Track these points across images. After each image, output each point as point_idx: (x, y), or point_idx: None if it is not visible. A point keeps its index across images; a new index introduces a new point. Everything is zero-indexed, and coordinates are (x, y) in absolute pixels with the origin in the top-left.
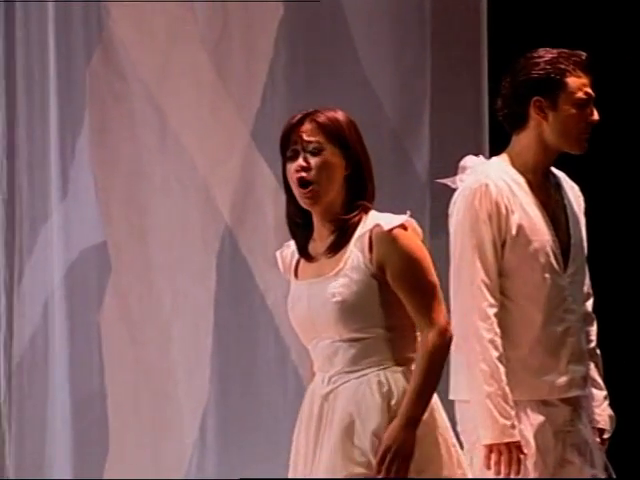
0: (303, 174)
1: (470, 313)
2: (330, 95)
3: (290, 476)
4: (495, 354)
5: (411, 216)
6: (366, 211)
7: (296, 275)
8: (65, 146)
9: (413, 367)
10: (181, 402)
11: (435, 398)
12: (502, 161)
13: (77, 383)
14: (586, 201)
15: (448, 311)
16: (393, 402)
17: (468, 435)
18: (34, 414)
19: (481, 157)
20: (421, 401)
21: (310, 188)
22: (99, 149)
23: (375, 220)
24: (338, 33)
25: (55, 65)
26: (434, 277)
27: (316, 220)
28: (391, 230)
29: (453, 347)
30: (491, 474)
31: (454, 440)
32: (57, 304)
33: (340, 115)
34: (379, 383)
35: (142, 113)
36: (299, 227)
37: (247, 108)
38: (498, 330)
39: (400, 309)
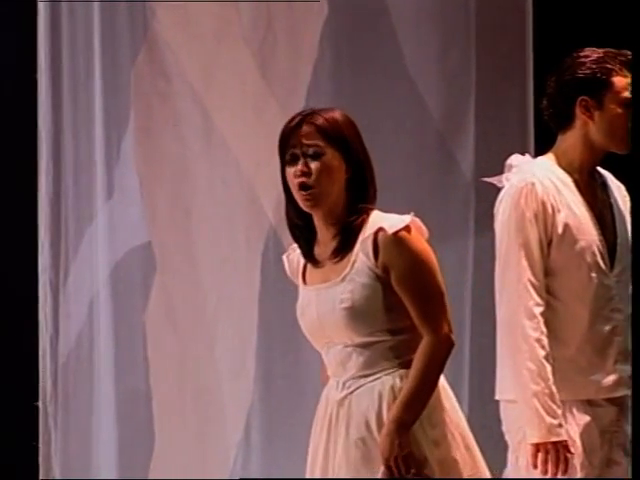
0: (304, 179)
1: (516, 312)
2: (374, 95)
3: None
4: (542, 353)
5: (455, 215)
6: (368, 213)
7: (304, 280)
8: (110, 146)
9: None
10: (226, 402)
11: (450, 397)
12: (548, 160)
13: (122, 382)
14: (632, 201)
15: (499, 314)
16: None
17: (513, 435)
18: (79, 413)
19: (527, 156)
20: (413, 406)
21: (310, 191)
22: (144, 149)
23: (379, 222)
24: (383, 33)
25: (100, 65)
26: (439, 282)
27: (318, 223)
28: (395, 233)
29: (499, 347)
30: (537, 473)
31: (472, 439)
32: (102, 304)
33: (339, 116)
34: (392, 387)
35: (187, 113)
36: (300, 229)
37: (291, 108)
38: (544, 329)
39: (406, 310)
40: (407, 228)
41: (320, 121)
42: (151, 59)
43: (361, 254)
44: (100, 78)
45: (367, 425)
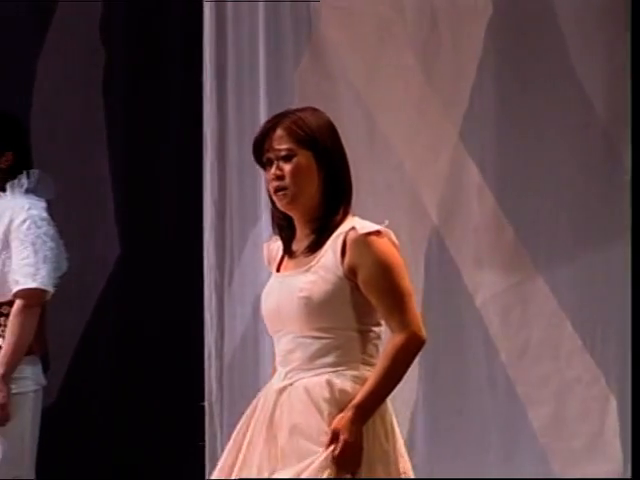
0: (278, 182)
1: None
2: (540, 95)
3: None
4: None
5: (620, 216)
6: (346, 214)
7: (279, 270)
8: None
9: (367, 373)
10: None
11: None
12: None
13: None
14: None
15: None
16: (343, 404)
17: None
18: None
19: None
20: (376, 398)
21: (285, 192)
22: None
23: (353, 223)
24: (548, 32)
25: (265, 66)
26: (408, 283)
27: (297, 221)
28: (366, 235)
29: None
30: None
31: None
32: None
33: (311, 116)
34: (330, 383)
35: (350, 114)
36: (283, 229)
37: (455, 108)
38: None
39: (367, 315)
40: (378, 233)
41: (290, 125)
42: (315, 60)
43: (329, 250)
44: (264, 79)
45: (301, 416)
